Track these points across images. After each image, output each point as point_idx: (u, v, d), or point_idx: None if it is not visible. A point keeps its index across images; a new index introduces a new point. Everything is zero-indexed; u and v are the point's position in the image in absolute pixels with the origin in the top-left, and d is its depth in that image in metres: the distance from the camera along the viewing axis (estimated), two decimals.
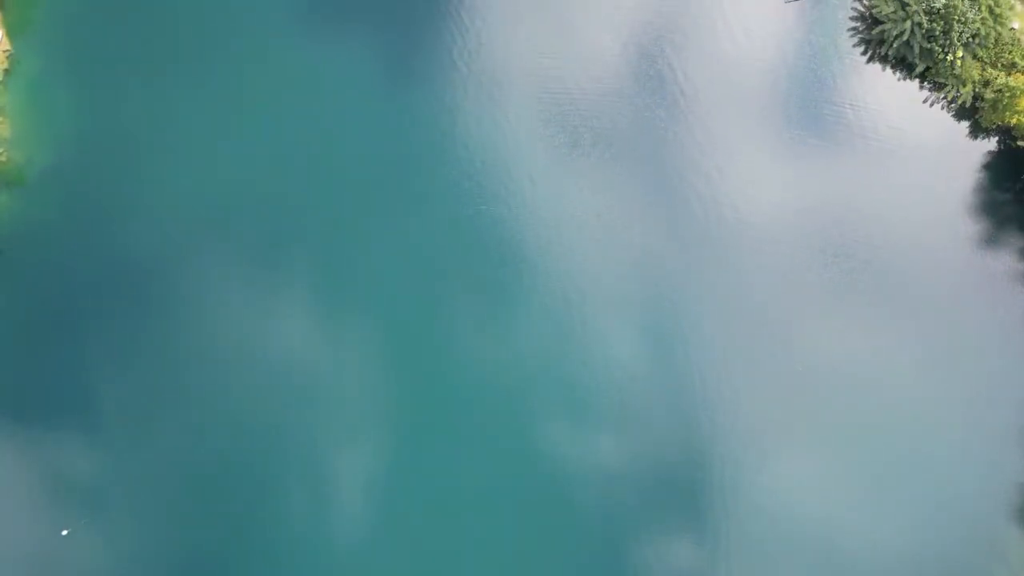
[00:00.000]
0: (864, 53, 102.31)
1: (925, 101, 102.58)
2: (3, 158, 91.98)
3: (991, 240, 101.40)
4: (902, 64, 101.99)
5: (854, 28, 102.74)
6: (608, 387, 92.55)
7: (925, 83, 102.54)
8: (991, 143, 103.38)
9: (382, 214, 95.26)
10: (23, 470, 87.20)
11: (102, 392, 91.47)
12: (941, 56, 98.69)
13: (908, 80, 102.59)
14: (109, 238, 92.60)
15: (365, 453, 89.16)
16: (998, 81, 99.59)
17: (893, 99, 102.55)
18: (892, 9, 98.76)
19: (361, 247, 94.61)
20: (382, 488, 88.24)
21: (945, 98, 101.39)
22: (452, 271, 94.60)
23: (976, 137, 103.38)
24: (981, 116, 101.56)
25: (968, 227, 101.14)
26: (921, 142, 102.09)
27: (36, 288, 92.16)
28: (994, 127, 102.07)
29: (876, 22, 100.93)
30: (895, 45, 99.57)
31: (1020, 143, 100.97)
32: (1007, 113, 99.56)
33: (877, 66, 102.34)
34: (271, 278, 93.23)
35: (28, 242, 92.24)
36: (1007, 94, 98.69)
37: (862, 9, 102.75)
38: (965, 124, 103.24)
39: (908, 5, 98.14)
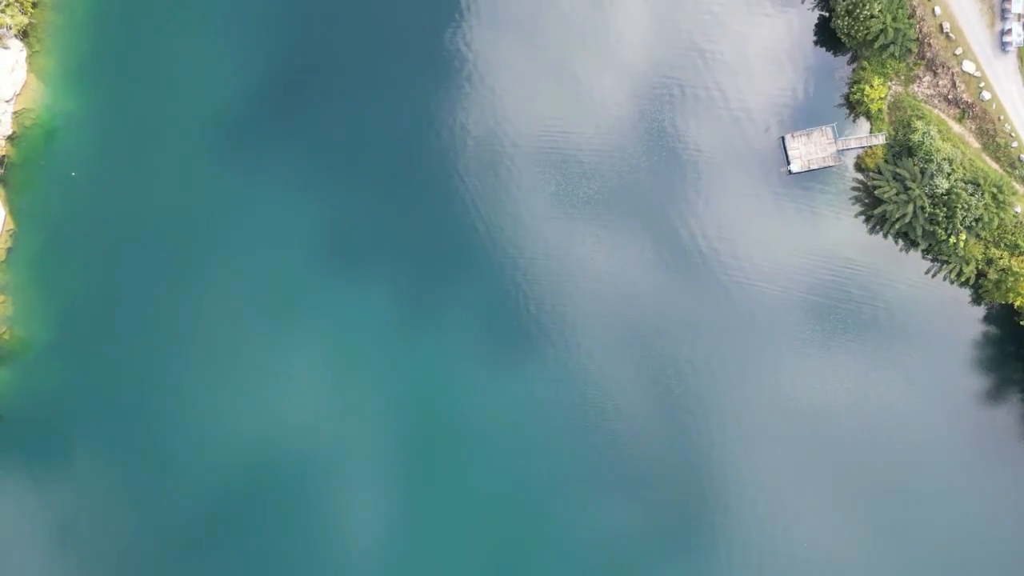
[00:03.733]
0: (867, 223, 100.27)
1: (927, 272, 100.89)
2: (5, 336, 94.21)
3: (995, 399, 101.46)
4: (905, 237, 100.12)
5: (855, 198, 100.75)
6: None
7: (928, 255, 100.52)
8: (994, 308, 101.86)
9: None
10: None
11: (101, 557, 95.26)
12: (944, 237, 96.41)
13: (911, 251, 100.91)
14: (107, 414, 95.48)
15: None
16: (1001, 262, 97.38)
17: (897, 268, 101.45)
18: (895, 191, 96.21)
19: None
20: None
21: (949, 272, 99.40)
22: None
23: (978, 304, 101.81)
24: (984, 292, 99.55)
25: (971, 385, 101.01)
26: (927, 313, 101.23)
27: (36, 457, 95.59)
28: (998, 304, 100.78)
29: (879, 200, 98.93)
30: (897, 226, 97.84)
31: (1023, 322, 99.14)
32: (1010, 294, 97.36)
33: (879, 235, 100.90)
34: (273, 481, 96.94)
35: (29, 414, 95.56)
36: (1010, 277, 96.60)
37: (865, 180, 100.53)
38: (967, 292, 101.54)
39: (911, 189, 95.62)
